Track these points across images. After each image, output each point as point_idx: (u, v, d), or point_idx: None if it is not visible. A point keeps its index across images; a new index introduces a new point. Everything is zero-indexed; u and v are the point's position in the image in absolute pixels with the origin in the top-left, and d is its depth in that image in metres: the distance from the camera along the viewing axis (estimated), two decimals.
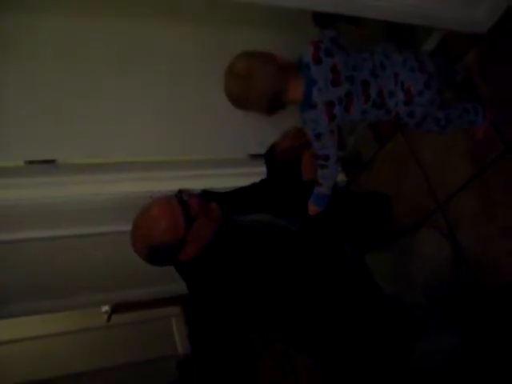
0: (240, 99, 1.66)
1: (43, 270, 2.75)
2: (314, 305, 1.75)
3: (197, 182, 2.49)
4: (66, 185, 2.41)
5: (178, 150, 2.62)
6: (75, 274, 2.87)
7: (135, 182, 2.51)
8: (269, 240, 1.83)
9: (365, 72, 1.67)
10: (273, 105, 1.67)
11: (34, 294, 2.90)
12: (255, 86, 1.61)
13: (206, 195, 2.14)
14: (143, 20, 2.11)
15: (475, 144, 2.08)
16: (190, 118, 2.46)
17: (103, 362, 4.50)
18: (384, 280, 1.95)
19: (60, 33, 2.05)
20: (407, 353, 1.79)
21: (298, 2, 1.58)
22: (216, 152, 2.77)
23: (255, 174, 2.39)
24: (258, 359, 4.06)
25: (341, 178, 2.91)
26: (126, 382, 4.58)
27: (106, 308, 4.27)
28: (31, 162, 2.34)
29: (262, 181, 2.24)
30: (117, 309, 4.27)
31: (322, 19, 1.74)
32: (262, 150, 2.23)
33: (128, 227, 1.88)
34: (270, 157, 2.14)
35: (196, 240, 1.80)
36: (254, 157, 2.81)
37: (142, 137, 2.40)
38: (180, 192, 1.86)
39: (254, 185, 2.25)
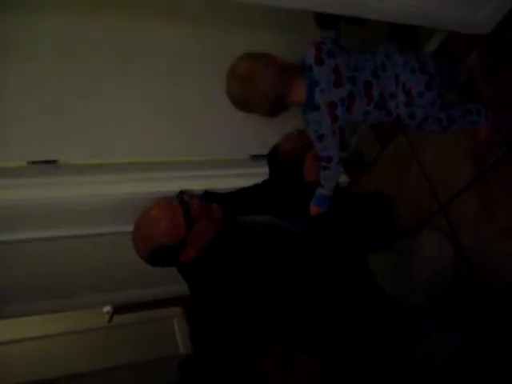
0: (242, 101, 1.66)
1: (43, 270, 2.75)
2: (315, 306, 1.75)
3: (197, 183, 2.49)
4: (66, 185, 2.41)
5: (178, 151, 2.62)
6: (75, 275, 2.86)
7: (135, 183, 2.51)
8: (270, 241, 1.83)
9: (366, 73, 1.66)
10: (275, 106, 1.67)
11: (35, 294, 2.90)
12: (257, 87, 1.60)
13: (208, 196, 2.14)
14: (143, 20, 2.11)
15: (477, 145, 2.07)
16: (191, 118, 2.45)
17: (104, 362, 4.50)
18: (385, 281, 1.95)
19: (60, 33, 2.04)
20: (409, 354, 1.79)
21: (299, 2, 1.57)
22: (217, 152, 2.76)
23: (256, 174, 2.39)
24: (259, 360, 4.06)
25: (343, 178, 2.90)
26: (127, 383, 4.58)
27: (107, 308, 4.27)
28: (33, 163, 2.34)
29: (263, 182, 2.24)
30: (118, 309, 4.27)
31: (325, 20, 1.73)
32: (264, 151, 2.22)
33: (128, 228, 1.88)
34: (273, 158, 2.13)
35: (197, 241, 1.80)
36: (256, 157, 2.80)
37: (142, 137, 2.40)
38: (181, 193, 1.86)
39: (255, 186, 2.25)
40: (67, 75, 2.12)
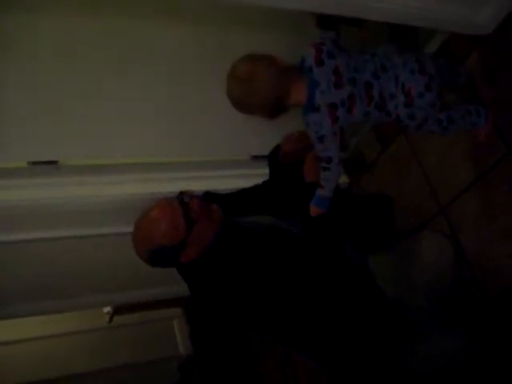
0: (242, 103, 1.66)
1: (44, 271, 2.75)
2: (315, 307, 1.75)
3: (198, 184, 2.49)
4: (66, 186, 2.41)
5: (178, 151, 2.61)
6: (76, 275, 2.86)
7: (136, 184, 2.50)
8: (270, 242, 1.83)
9: (367, 74, 1.66)
10: (275, 108, 1.67)
11: (35, 295, 2.90)
12: (257, 89, 1.60)
13: (208, 197, 2.14)
14: (143, 20, 2.10)
15: (477, 146, 2.07)
16: (191, 118, 2.45)
17: (104, 363, 4.50)
18: (386, 282, 1.95)
19: (60, 33, 2.03)
20: (409, 355, 1.79)
21: (299, 3, 1.57)
22: (217, 153, 2.76)
23: (257, 175, 2.40)
24: (259, 361, 4.06)
25: (343, 179, 2.90)
26: None
27: (107, 309, 4.27)
28: (34, 163, 2.34)
29: (264, 182, 2.24)
30: (119, 310, 4.27)
31: (325, 21, 1.73)
32: (264, 151, 2.22)
33: (128, 229, 1.88)
34: (273, 158, 2.13)
35: (197, 242, 1.80)
36: (256, 158, 2.79)
37: (142, 137, 2.40)
38: (181, 194, 1.86)
39: (256, 186, 2.25)
40: (67, 75, 2.11)
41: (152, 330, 4.76)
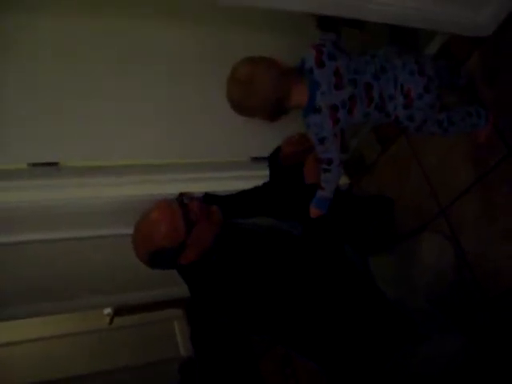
0: (243, 105, 1.65)
1: (44, 273, 2.75)
2: (315, 308, 1.75)
3: (198, 185, 2.49)
4: (66, 187, 2.41)
5: (178, 152, 2.61)
6: (76, 277, 2.86)
7: (136, 186, 2.50)
8: (270, 243, 1.83)
9: (367, 75, 1.66)
10: (275, 110, 1.66)
11: (35, 296, 2.90)
12: (258, 91, 1.60)
13: (208, 198, 2.14)
14: (143, 20, 2.10)
15: (477, 147, 2.07)
16: (191, 118, 2.45)
17: (105, 364, 4.48)
18: (386, 284, 1.94)
19: (60, 33, 2.04)
20: (409, 357, 1.78)
21: (299, 4, 1.57)
22: (217, 154, 2.75)
23: (257, 177, 2.39)
24: (259, 363, 4.05)
25: (343, 180, 2.90)
26: None
27: (108, 310, 4.26)
28: (34, 165, 2.33)
29: (264, 184, 2.24)
30: (119, 311, 4.26)
31: (325, 22, 1.73)
32: (265, 153, 2.22)
33: (128, 230, 1.88)
34: (274, 160, 2.13)
35: (196, 244, 1.80)
36: (256, 160, 2.79)
37: (142, 138, 2.40)
38: (181, 195, 1.86)
39: (256, 188, 2.25)
40: (67, 75, 2.11)
41: (152, 332, 4.75)
